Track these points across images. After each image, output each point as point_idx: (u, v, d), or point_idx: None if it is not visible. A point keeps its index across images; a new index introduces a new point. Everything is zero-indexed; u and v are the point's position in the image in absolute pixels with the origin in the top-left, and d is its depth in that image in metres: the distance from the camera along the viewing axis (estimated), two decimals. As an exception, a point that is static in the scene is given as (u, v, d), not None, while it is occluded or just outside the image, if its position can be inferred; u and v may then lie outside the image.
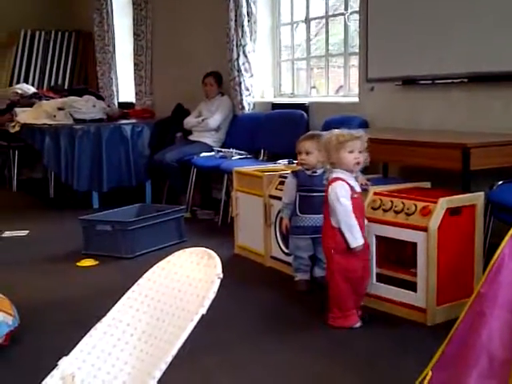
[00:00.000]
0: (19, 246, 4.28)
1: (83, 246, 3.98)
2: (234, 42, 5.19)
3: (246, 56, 5.19)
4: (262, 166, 4.07)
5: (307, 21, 5.15)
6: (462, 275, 2.74)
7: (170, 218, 4.12)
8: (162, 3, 6.50)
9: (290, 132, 4.71)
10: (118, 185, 5.61)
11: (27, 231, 4.62)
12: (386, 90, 4.16)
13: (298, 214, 3.15)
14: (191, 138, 5.48)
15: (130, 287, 1.64)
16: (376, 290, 2.85)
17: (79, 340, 1.60)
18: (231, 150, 5.00)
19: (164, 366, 1.36)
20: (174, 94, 6.19)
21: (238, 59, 5.20)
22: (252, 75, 5.26)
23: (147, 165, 5.65)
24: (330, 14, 4.96)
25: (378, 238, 2.83)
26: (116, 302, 1.64)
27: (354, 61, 4.65)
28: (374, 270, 2.86)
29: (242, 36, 5.15)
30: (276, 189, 3.49)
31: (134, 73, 6.90)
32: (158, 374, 1.36)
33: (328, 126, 3.62)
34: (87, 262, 3.77)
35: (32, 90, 7.32)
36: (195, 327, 1.45)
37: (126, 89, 7.50)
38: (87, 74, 8.32)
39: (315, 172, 3.14)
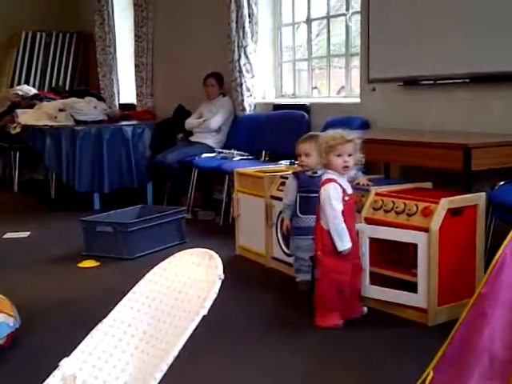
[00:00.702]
0: (20, 247, 4.28)
1: (84, 247, 3.98)
2: (236, 43, 5.19)
3: (247, 57, 5.19)
4: (263, 167, 4.07)
5: (308, 21, 5.15)
6: (464, 276, 2.73)
7: (170, 219, 4.12)
8: (162, 4, 6.50)
9: (292, 133, 4.71)
10: (119, 186, 5.61)
11: (28, 232, 4.62)
12: (387, 90, 4.16)
13: (299, 214, 3.15)
14: (192, 139, 5.49)
15: (131, 288, 1.64)
16: (376, 290, 2.84)
17: (80, 341, 1.60)
18: (232, 150, 5.01)
19: (165, 367, 1.36)
20: (175, 95, 6.20)
21: (239, 60, 5.20)
22: (253, 76, 5.26)
23: (148, 166, 5.65)
24: (332, 14, 4.96)
25: (378, 238, 2.82)
26: (117, 303, 1.64)
27: (356, 61, 4.65)
28: (374, 270, 2.85)
29: (244, 37, 5.15)
30: (277, 190, 3.49)
31: (135, 74, 6.90)
32: (160, 375, 1.36)
33: (329, 127, 3.61)
34: (88, 263, 3.77)
35: (33, 91, 7.33)
36: (196, 328, 1.44)
37: (126, 90, 7.50)
38: (88, 76, 8.32)
39: (316, 173, 3.13)
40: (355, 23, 4.62)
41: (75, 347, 1.59)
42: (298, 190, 3.17)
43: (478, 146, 2.97)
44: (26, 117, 6.29)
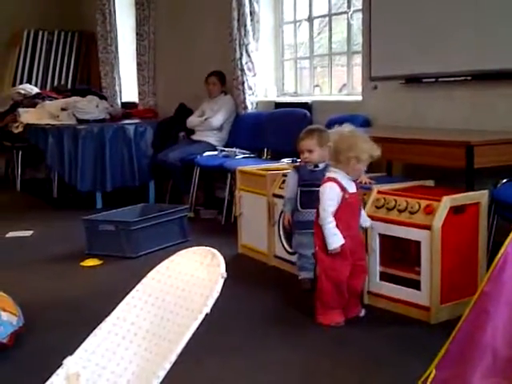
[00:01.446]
0: (23, 246, 4.29)
1: (87, 246, 3.99)
2: (237, 41, 5.19)
3: (248, 55, 5.19)
4: (265, 165, 4.07)
5: (310, 19, 5.15)
6: (466, 273, 2.73)
7: (173, 217, 4.13)
8: (164, 3, 6.50)
9: (293, 131, 4.67)
10: (122, 185, 5.62)
11: (31, 231, 4.63)
12: (389, 88, 4.16)
13: (300, 209, 3.14)
14: (194, 137, 5.49)
15: (134, 286, 1.64)
16: (380, 288, 2.85)
17: (84, 339, 1.60)
18: (234, 149, 5.01)
19: (168, 365, 1.36)
20: (176, 93, 6.20)
21: (240, 58, 5.20)
22: (255, 74, 5.25)
23: (150, 165, 5.66)
24: (333, 12, 4.95)
25: (381, 236, 2.83)
26: (120, 302, 1.64)
27: (357, 59, 4.65)
28: (378, 268, 2.86)
29: (245, 35, 5.15)
30: (279, 188, 3.49)
31: (137, 73, 6.90)
32: (163, 373, 1.36)
33: (331, 125, 3.61)
34: (91, 262, 3.78)
35: (35, 90, 7.33)
36: (199, 326, 1.44)
37: (128, 89, 7.50)
38: (90, 74, 8.32)
39: (317, 166, 3.13)
40: (357, 21, 4.61)
41: (79, 346, 1.59)
42: (298, 184, 3.16)
43: (480, 144, 2.96)
44: (28, 116, 6.30)
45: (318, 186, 2.88)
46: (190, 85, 5.98)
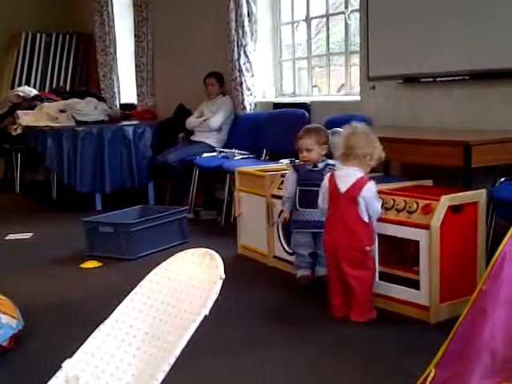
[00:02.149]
0: (23, 248, 4.29)
1: (86, 248, 3.99)
2: (235, 42, 5.20)
3: (247, 56, 5.20)
4: (264, 166, 4.07)
5: (308, 20, 5.15)
6: (465, 272, 2.74)
7: (172, 218, 4.13)
8: (162, 4, 6.50)
9: (292, 131, 4.66)
10: (121, 186, 5.62)
11: (31, 234, 4.63)
12: (387, 88, 4.16)
13: (298, 208, 3.15)
14: (193, 138, 5.49)
15: (133, 289, 1.65)
16: (379, 288, 2.85)
17: (83, 342, 1.60)
18: (233, 150, 5.01)
19: (167, 368, 1.36)
20: (175, 94, 6.20)
21: (239, 59, 5.21)
22: (253, 75, 5.26)
23: (149, 166, 5.66)
24: (331, 12, 4.95)
25: (380, 236, 2.83)
26: (119, 304, 1.64)
27: (355, 59, 4.65)
28: (377, 268, 2.86)
29: (243, 36, 5.15)
30: (278, 188, 3.49)
31: (136, 74, 6.90)
32: (161, 376, 1.36)
33: (330, 125, 3.63)
34: (90, 264, 3.78)
35: (34, 92, 7.33)
36: (198, 328, 1.45)
37: (127, 90, 7.51)
38: (89, 76, 8.32)
39: (316, 166, 3.13)
40: (354, 21, 4.62)
41: (78, 348, 1.59)
42: (297, 184, 3.17)
43: (478, 143, 2.97)
44: (27, 118, 6.29)
45: (317, 185, 2.89)
46: (188, 86, 5.98)
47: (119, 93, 7.45)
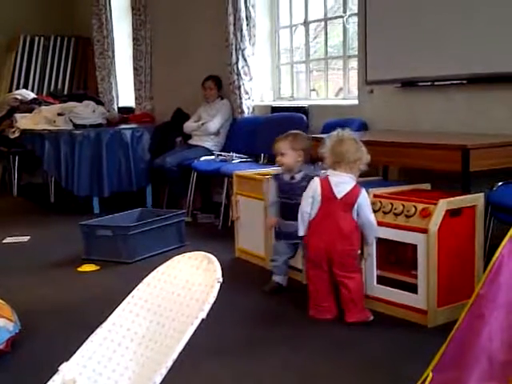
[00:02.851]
0: (20, 251, 4.29)
1: (84, 251, 3.98)
2: (233, 46, 5.20)
3: (245, 59, 5.20)
4: (262, 170, 4.07)
5: (306, 24, 5.16)
6: (463, 276, 2.74)
7: (170, 222, 4.12)
8: (160, 8, 6.51)
9: (290, 135, 4.72)
10: (119, 189, 5.61)
11: (28, 237, 4.62)
12: (385, 92, 4.17)
13: (280, 218, 3.16)
14: (191, 142, 5.49)
15: (131, 292, 1.64)
16: (377, 291, 2.85)
17: (80, 345, 1.60)
18: (231, 153, 5.01)
19: (164, 371, 1.36)
20: (173, 98, 6.20)
21: (237, 63, 5.21)
22: (251, 79, 5.26)
23: (147, 169, 5.66)
24: (329, 16, 4.96)
25: (378, 240, 2.83)
26: (116, 307, 1.64)
27: (353, 63, 4.66)
28: (375, 272, 2.86)
29: (241, 40, 5.16)
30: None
31: (134, 78, 6.90)
32: (159, 379, 1.36)
33: (328, 129, 3.63)
34: (88, 267, 3.77)
35: (32, 95, 7.32)
36: (196, 331, 1.44)
37: (125, 94, 7.51)
38: (87, 80, 8.32)
39: (293, 178, 3.11)
40: (353, 25, 4.63)
41: (75, 352, 1.59)
42: (278, 194, 3.16)
43: (476, 147, 2.97)
44: (24, 121, 6.29)
45: (296, 198, 2.89)
46: (186, 90, 5.98)
47: (117, 96, 7.45)
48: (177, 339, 1.43)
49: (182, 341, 1.40)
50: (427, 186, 3.16)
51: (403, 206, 2.75)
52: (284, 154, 3.08)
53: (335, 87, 5.10)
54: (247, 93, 5.26)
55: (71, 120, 5.98)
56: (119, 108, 7.35)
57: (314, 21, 5.15)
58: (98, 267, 3.78)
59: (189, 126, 5.51)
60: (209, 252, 1.63)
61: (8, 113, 6.93)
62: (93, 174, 5.50)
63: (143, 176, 5.67)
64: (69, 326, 2.82)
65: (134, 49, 6.80)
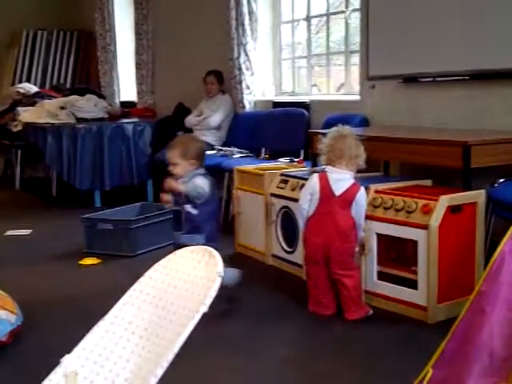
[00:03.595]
0: (22, 244, 4.30)
1: (85, 245, 3.99)
2: (235, 41, 5.20)
3: (246, 54, 5.20)
4: (262, 165, 4.08)
5: (308, 19, 5.15)
6: (463, 273, 2.74)
7: (171, 216, 4.12)
8: (163, 2, 6.51)
9: (291, 130, 4.73)
10: (120, 183, 5.62)
11: (30, 230, 4.64)
12: (387, 87, 4.17)
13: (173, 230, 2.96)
14: (192, 136, 5.49)
15: (132, 285, 1.65)
16: (377, 287, 2.86)
17: (81, 338, 1.61)
18: (232, 148, 5.01)
19: (166, 364, 1.37)
20: (175, 92, 6.20)
21: (238, 58, 5.21)
22: (253, 73, 5.26)
23: (149, 163, 5.66)
24: (331, 11, 4.96)
25: (378, 236, 2.84)
26: (118, 300, 1.65)
27: (355, 59, 4.66)
28: (375, 267, 2.87)
29: (243, 34, 5.15)
30: (277, 187, 3.50)
31: (136, 72, 6.91)
32: (160, 372, 1.36)
33: (329, 124, 3.63)
34: (89, 261, 3.78)
35: (34, 89, 7.33)
36: (196, 325, 1.45)
37: (127, 88, 7.51)
38: (89, 73, 8.33)
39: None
40: (354, 20, 4.62)
41: (76, 344, 1.60)
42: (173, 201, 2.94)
43: (477, 144, 2.97)
44: (27, 115, 6.30)
45: (181, 204, 2.83)
46: (188, 84, 5.98)
47: (119, 90, 7.45)
48: (178, 333, 1.44)
49: (183, 334, 1.40)
50: (428, 182, 3.17)
51: (404, 201, 2.76)
52: (176, 165, 2.89)
53: (336, 83, 5.10)
54: (248, 88, 5.26)
55: (73, 114, 5.98)
56: (121, 102, 7.35)
57: (316, 16, 5.15)
58: (99, 260, 3.79)
59: (190, 120, 5.52)
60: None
61: (11, 106, 6.94)
62: (94, 168, 5.51)
63: (144, 170, 5.68)
64: (70, 318, 2.83)
65: (136, 43, 6.81)
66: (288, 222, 3.38)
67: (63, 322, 2.81)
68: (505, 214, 2.97)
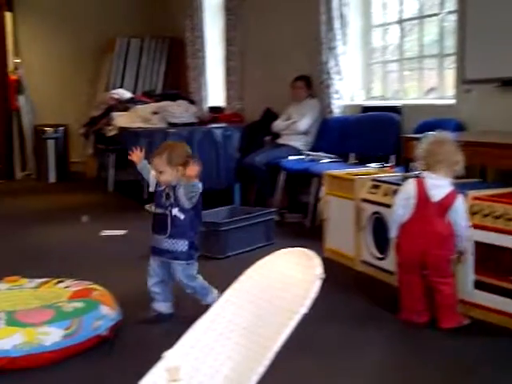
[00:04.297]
0: (118, 244, 4.47)
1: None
2: (325, 45, 5.18)
3: (336, 59, 5.17)
4: (352, 170, 4.04)
5: (400, 22, 5.06)
6: None
7: (260, 220, 4.18)
8: (252, 8, 6.59)
9: (381, 135, 4.66)
10: (209, 187, 5.67)
11: (125, 230, 4.81)
12: (483, 91, 4.02)
13: (152, 232, 2.88)
14: (280, 141, 5.52)
15: (224, 286, 1.68)
16: (473, 297, 2.77)
17: (181, 334, 1.65)
18: (319, 153, 5.00)
19: (267, 362, 1.39)
20: (263, 98, 6.26)
21: (328, 62, 5.19)
22: (342, 78, 5.22)
23: (236, 168, 5.75)
24: (424, 14, 4.85)
25: (476, 243, 2.75)
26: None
27: (447, 62, 4.53)
28: (472, 276, 2.78)
29: (333, 39, 5.13)
30: (368, 193, 3.47)
31: (225, 78, 7.02)
32: (261, 370, 1.39)
33: (422, 129, 3.56)
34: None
35: (128, 94, 7.61)
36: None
37: (215, 93, 7.65)
38: (179, 80, 8.56)
39: (160, 186, 2.84)
40: (448, 22, 4.50)
41: (176, 340, 1.65)
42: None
43: None
44: (121, 119, 6.54)
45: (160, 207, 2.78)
46: (275, 89, 6.02)
47: (207, 96, 7.60)
48: (278, 332, 1.46)
49: (283, 333, 1.43)
50: (529, 189, 3.03)
51: (504, 208, 2.65)
52: (162, 172, 2.80)
53: (425, 87, 4.98)
54: (337, 92, 5.23)
55: (165, 119, 6.17)
56: (209, 107, 7.50)
57: (409, 19, 5.04)
58: (190, 261, 3.88)
59: (278, 125, 5.55)
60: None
61: (106, 111, 7.24)
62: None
63: (232, 174, 5.77)
64: (168, 315, 2.91)
65: (225, 49, 6.92)
66: (379, 227, 3.33)
67: (162, 317, 2.86)
68: None
